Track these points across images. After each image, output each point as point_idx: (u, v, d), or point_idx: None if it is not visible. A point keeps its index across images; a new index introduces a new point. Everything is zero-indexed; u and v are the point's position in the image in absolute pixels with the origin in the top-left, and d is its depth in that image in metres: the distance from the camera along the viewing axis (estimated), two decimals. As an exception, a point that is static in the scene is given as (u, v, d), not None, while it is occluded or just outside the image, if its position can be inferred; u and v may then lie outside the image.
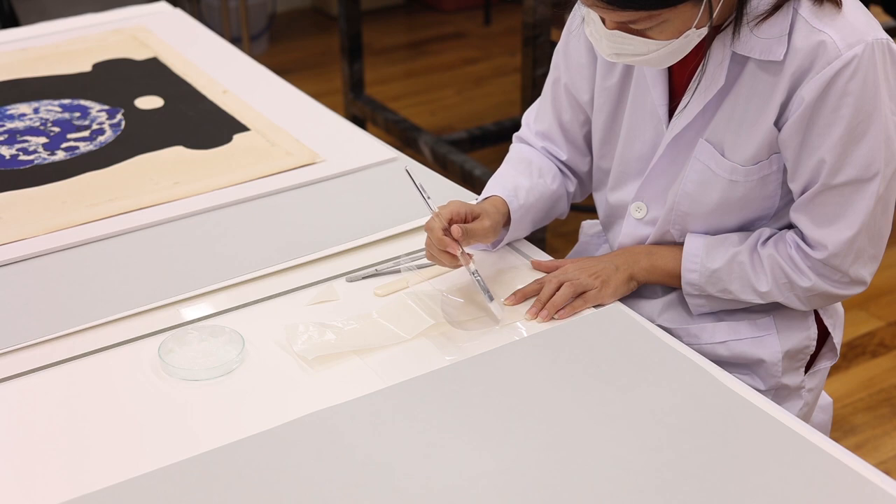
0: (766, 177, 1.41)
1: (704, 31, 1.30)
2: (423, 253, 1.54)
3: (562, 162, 1.62)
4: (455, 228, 1.39)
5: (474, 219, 1.44)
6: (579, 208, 3.30)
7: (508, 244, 1.59)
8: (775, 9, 1.31)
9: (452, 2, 4.93)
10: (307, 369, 1.33)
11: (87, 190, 1.74)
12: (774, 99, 1.35)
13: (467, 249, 1.43)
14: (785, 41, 1.31)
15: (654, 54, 1.31)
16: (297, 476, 1.16)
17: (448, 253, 1.40)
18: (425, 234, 1.44)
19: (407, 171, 1.46)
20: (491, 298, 1.41)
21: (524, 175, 1.56)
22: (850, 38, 1.29)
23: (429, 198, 1.43)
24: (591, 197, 1.65)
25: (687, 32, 1.29)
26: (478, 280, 1.41)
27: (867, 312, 2.83)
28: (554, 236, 3.18)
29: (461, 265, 1.42)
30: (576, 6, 1.52)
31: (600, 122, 1.55)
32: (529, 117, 1.66)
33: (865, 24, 1.32)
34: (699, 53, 1.36)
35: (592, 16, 1.32)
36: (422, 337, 1.38)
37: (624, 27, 1.30)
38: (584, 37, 1.52)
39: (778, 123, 1.36)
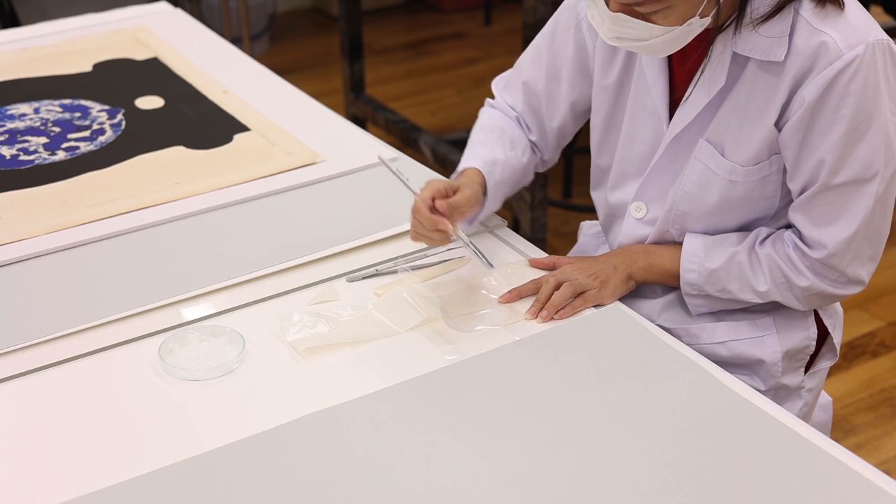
0: (765, 177, 1.41)
1: (707, 20, 1.30)
2: (421, 254, 1.54)
3: (531, 141, 1.64)
4: (440, 203, 1.39)
5: (454, 192, 1.44)
6: (579, 208, 3.30)
7: (506, 243, 1.59)
8: (777, 10, 1.31)
9: (453, 2, 4.93)
10: (308, 369, 1.33)
11: (87, 190, 1.74)
12: (775, 99, 1.35)
13: None
14: (786, 42, 1.31)
15: (655, 40, 1.31)
16: (297, 476, 1.16)
17: (439, 230, 1.40)
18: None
19: (380, 158, 1.46)
20: (491, 265, 1.43)
21: (497, 146, 1.56)
22: (852, 39, 1.29)
23: (407, 180, 1.43)
24: (590, 197, 1.66)
25: (690, 20, 1.29)
26: (472, 248, 1.42)
27: (867, 312, 2.83)
28: (554, 236, 3.18)
29: (452, 239, 1.42)
30: (573, 2, 1.53)
31: (598, 120, 1.55)
32: (500, 87, 1.66)
33: (866, 25, 1.32)
34: (700, 52, 1.36)
35: None
36: (422, 337, 1.39)
37: (628, 10, 1.30)
38: (574, 33, 1.52)
39: (778, 124, 1.36)
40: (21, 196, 1.73)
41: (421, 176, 1.78)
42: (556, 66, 1.57)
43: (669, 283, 1.51)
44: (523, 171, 1.60)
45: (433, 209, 1.40)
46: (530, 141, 1.63)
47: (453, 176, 1.54)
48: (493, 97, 1.68)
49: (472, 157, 1.53)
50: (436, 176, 1.78)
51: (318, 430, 1.22)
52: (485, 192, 1.51)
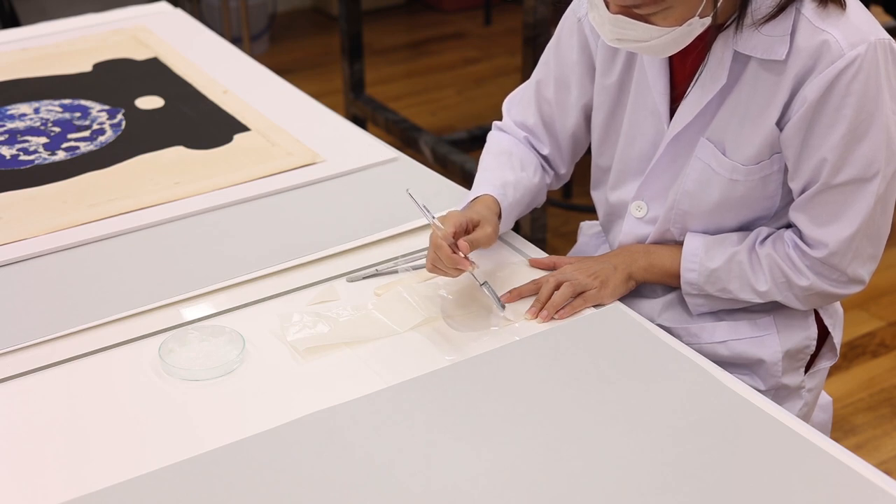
0: (766, 177, 1.41)
1: (707, 20, 1.30)
2: (421, 254, 1.54)
3: (542, 156, 1.63)
4: (463, 244, 1.38)
5: (475, 227, 1.44)
6: (579, 208, 3.30)
7: (506, 243, 1.59)
8: (779, 10, 1.31)
9: (453, 2, 4.93)
10: (308, 369, 1.33)
11: (87, 190, 1.74)
12: (777, 99, 1.35)
13: None
14: (787, 40, 1.31)
15: (655, 41, 1.31)
16: (297, 476, 1.16)
17: (458, 269, 1.39)
18: (425, 235, 1.44)
19: (409, 193, 1.45)
20: (503, 307, 1.41)
21: (507, 168, 1.56)
22: (853, 38, 1.29)
23: (434, 217, 1.42)
24: (590, 197, 1.66)
25: (690, 20, 1.29)
26: (488, 291, 1.41)
27: (867, 312, 2.83)
28: (554, 236, 3.18)
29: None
30: (571, 4, 1.52)
31: (599, 120, 1.55)
32: (510, 105, 1.66)
33: (868, 24, 1.32)
34: (701, 51, 1.36)
35: (597, 1, 1.33)
36: (422, 337, 1.39)
37: (628, 11, 1.30)
38: (577, 35, 1.53)
39: (780, 123, 1.36)
40: (21, 196, 1.73)
41: (421, 176, 1.78)
42: (563, 73, 1.56)
43: (670, 283, 1.51)
44: (535, 190, 1.60)
45: (454, 246, 1.39)
46: (544, 157, 1.63)
47: (466, 201, 1.53)
48: (491, 98, 1.67)
49: (484, 184, 1.53)
50: (436, 177, 1.78)
51: (318, 430, 1.22)
52: (499, 217, 1.51)
